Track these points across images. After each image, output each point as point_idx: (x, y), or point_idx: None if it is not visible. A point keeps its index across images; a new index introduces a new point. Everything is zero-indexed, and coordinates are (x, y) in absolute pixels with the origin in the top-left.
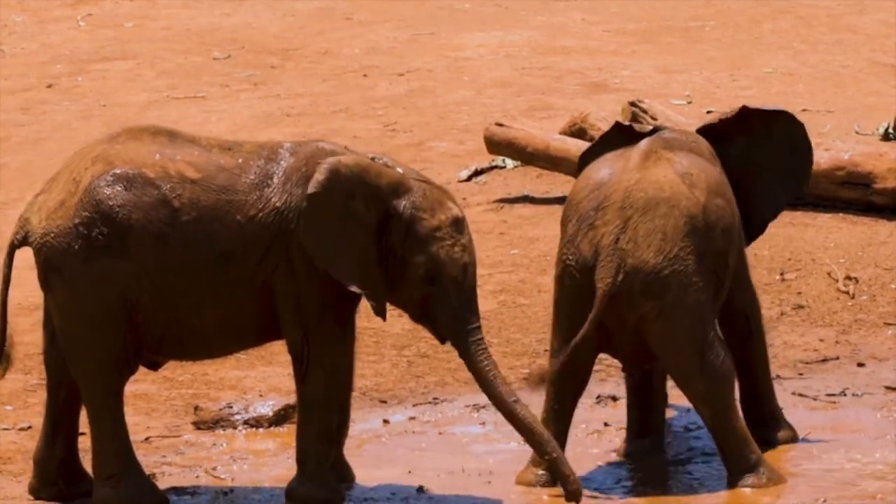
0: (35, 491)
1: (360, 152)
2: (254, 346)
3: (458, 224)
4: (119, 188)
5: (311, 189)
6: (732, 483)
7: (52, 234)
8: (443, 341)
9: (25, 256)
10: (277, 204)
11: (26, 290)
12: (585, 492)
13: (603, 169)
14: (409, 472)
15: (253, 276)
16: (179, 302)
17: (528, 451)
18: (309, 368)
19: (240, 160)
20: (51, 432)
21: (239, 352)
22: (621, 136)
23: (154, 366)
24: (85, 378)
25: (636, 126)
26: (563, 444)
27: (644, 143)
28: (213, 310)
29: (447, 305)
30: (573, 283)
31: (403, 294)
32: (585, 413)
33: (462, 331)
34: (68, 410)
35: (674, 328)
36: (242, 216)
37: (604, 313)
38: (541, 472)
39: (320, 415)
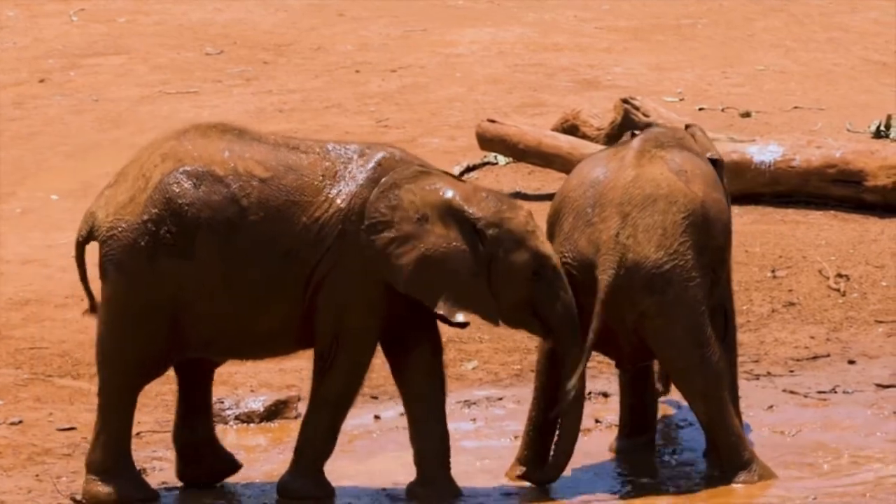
0: (182, 473)
1: (419, 160)
2: (294, 351)
3: (533, 218)
4: (188, 186)
5: (369, 220)
6: (725, 480)
7: (120, 229)
8: (547, 336)
9: (18, 251)
10: (342, 206)
11: (18, 285)
12: (578, 489)
13: (597, 167)
14: (401, 467)
15: (309, 278)
16: (236, 301)
17: (516, 446)
18: (332, 367)
19: (307, 160)
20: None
21: (283, 355)
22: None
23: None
24: (108, 371)
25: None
26: (551, 440)
27: (636, 141)
28: (268, 310)
29: (555, 297)
30: (570, 280)
31: (510, 298)
32: None
33: (573, 321)
34: (201, 390)
35: (673, 324)
36: (308, 217)
37: (604, 309)
38: (526, 469)
39: (332, 413)
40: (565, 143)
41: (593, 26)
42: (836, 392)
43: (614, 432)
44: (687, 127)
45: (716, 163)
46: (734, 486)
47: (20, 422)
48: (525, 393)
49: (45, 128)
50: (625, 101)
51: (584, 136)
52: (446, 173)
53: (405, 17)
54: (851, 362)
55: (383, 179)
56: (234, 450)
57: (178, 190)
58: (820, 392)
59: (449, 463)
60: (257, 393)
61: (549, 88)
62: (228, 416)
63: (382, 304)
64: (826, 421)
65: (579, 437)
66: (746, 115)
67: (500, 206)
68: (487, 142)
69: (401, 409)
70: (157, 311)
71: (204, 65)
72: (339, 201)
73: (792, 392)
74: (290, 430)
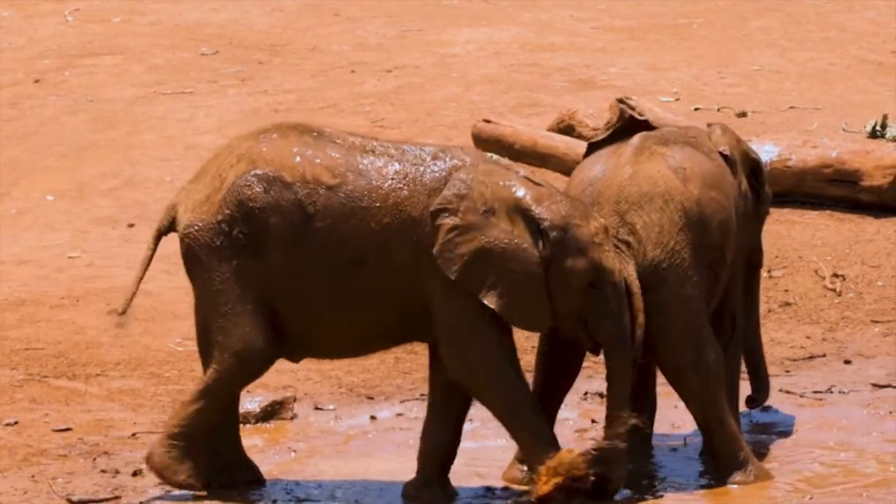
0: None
1: (506, 164)
2: (386, 349)
3: (608, 232)
4: (259, 190)
5: (436, 204)
6: (721, 480)
7: (196, 227)
8: (596, 351)
9: (14, 252)
10: (412, 211)
11: (13, 286)
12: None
13: (596, 166)
14: (397, 467)
15: (384, 283)
16: (310, 306)
17: (514, 447)
18: (452, 367)
19: (379, 164)
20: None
21: (373, 353)
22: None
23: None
24: (216, 364)
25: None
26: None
27: (636, 138)
28: (342, 315)
29: (608, 312)
30: None
31: (562, 306)
32: (572, 409)
33: (623, 340)
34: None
35: (669, 322)
36: (376, 223)
37: None
38: (526, 468)
39: (515, 428)
40: (561, 143)
41: (589, 26)
42: (832, 392)
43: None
44: (709, 125)
45: (727, 159)
46: (730, 486)
47: (16, 422)
48: None
49: (40, 128)
50: (620, 101)
51: (580, 137)
52: (527, 176)
53: (401, 16)
54: (847, 362)
55: (461, 171)
56: None
57: (249, 193)
58: (816, 392)
59: (449, 467)
60: (253, 394)
61: (545, 88)
62: None
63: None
64: (822, 421)
65: (574, 436)
66: (742, 114)
67: (570, 212)
68: (483, 142)
69: (397, 409)
70: (249, 308)
71: (199, 65)
72: (408, 206)
73: (788, 392)
74: (285, 431)
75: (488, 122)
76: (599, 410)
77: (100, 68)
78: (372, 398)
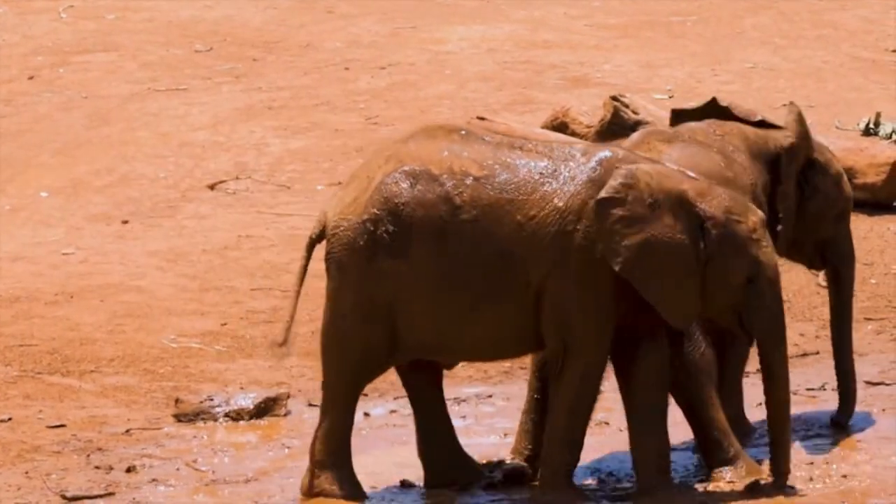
0: (428, 484)
1: (656, 161)
2: (520, 355)
3: (765, 225)
4: (406, 185)
5: (603, 194)
6: (710, 475)
7: (342, 228)
8: (750, 343)
9: (8, 248)
10: (559, 204)
11: (7, 282)
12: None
13: None
14: (391, 465)
15: (527, 279)
16: (452, 303)
17: (507, 443)
18: (563, 374)
19: (526, 158)
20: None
21: (510, 358)
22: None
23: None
24: (331, 367)
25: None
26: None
27: (637, 134)
28: (485, 311)
29: (764, 308)
30: None
31: (720, 301)
32: None
33: (778, 333)
34: (433, 397)
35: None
36: (522, 215)
37: None
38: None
39: (567, 422)
40: (555, 140)
41: (583, 24)
42: (825, 389)
43: (604, 429)
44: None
45: (786, 150)
46: (724, 482)
47: (9, 419)
48: (514, 390)
49: (34, 125)
50: (614, 98)
51: (574, 134)
52: (682, 169)
53: (394, 14)
54: None
55: (622, 163)
56: (224, 447)
57: (395, 189)
58: (809, 389)
59: (668, 470)
60: (247, 390)
61: (539, 86)
62: (218, 413)
63: (610, 305)
64: (816, 418)
65: None
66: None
67: (730, 207)
68: None
69: (391, 406)
70: (376, 310)
71: (193, 62)
72: (556, 200)
73: None
74: (279, 428)
75: (482, 119)
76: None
77: (94, 65)
78: (366, 395)
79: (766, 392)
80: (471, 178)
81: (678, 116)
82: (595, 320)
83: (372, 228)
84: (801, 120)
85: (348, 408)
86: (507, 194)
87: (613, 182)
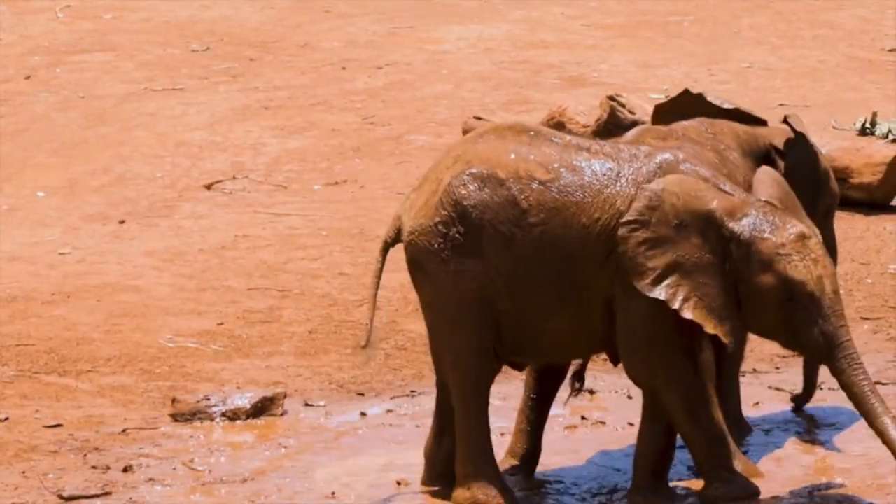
0: (427, 484)
1: (706, 166)
2: (594, 354)
3: (805, 238)
4: (473, 188)
5: (628, 216)
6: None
7: (417, 233)
8: (820, 362)
9: (5, 248)
10: (622, 207)
11: (4, 282)
12: (563, 487)
13: None
14: (389, 464)
15: (595, 281)
16: (529, 305)
17: (505, 442)
18: (656, 389)
19: (592, 160)
20: (437, 430)
21: (588, 356)
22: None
23: (518, 367)
24: (451, 373)
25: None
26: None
27: (632, 132)
28: (560, 314)
29: (812, 324)
30: None
31: (763, 321)
32: (563, 407)
33: (833, 347)
34: (452, 408)
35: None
36: (587, 218)
37: None
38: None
39: (693, 426)
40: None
41: (580, 23)
42: (821, 389)
43: (601, 429)
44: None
45: (779, 152)
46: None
47: (6, 419)
48: (510, 390)
49: (31, 125)
50: (611, 98)
51: (570, 133)
52: (716, 183)
53: (392, 13)
54: None
55: (638, 196)
56: (221, 447)
57: (463, 192)
58: None
59: (663, 473)
60: (244, 390)
61: (536, 85)
62: (215, 412)
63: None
64: (812, 418)
65: (566, 434)
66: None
67: (758, 224)
68: None
69: (387, 405)
70: (471, 308)
71: (190, 62)
72: (618, 202)
73: (778, 389)
74: (276, 427)
75: (479, 118)
76: (589, 407)
77: (91, 65)
78: (362, 394)
79: (864, 416)
80: (537, 181)
81: (658, 112)
82: (661, 324)
83: (444, 231)
84: (801, 123)
85: (480, 412)
86: (571, 197)
87: (637, 204)
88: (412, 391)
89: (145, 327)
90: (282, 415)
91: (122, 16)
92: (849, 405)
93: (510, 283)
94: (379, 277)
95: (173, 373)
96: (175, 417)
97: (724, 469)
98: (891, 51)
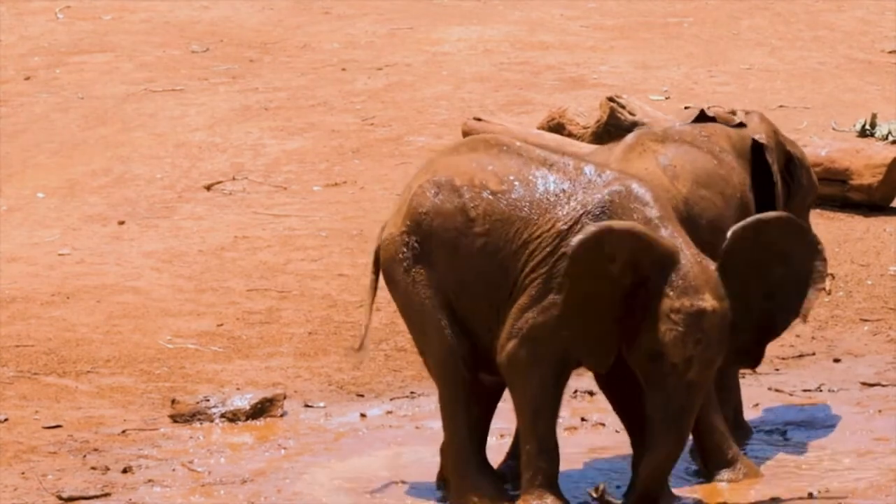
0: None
1: (657, 198)
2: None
3: (701, 316)
4: (430, 195)
5: (570, 246)
6: (708, 478)
7: (386, 241)
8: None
9: (4, 249)
10: (562, 228)
11: (3, 283)
12: (563, 488)
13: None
14: (388, 465)
15: (515, 293)
16: (473, 317)
17: (505, 445)
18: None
19: (548, 177)
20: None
21: None
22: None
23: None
24: (433, 375)
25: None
26: None
27: (630, 136)
28: (496, 326)
29: (661, 389)
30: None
31: (633, 356)
32: (562, 408)
33: (666, 421)
34: (479, 408)
35: None
36: (529, 234)
37: None
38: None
39: (531, 425)
40: (551, 141)
41: (579, 25)
42: (821, 390)
43: (600, 431)
44: (746, 113)
45: (762, 147)
46: (720, 484)
47: (5, 420)
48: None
49: (30, 125)
50: (611, 99)
51: (570, 135)
52: (657, 231)
53: (391, 14)
54: (837, 360)
55: (583, 229)
56: (220, 448)
57: (421, 199)
58: (805, 390)
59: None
60: (243, 391)
61: (536, 87)
62: (214, 413)
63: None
64: (811, 419)
65: (565, 435)
66: (732, 113)
67: (674, 280)
68: None
69: (387, 406)
70: (433, 318)
71: (190, 62)
72: (560, 224)
73: (777, 390)
74: (276, 429)
75: (479, 120)
76: (589, 409)
77: (90, 66)
78: (362, 396)
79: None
80: (488, 191)
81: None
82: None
83: (406, 240)
84: (765, 119)
85: (464, 413)
86: (517, 211)
87: (570, 237)
88: (412, 392)
89: (145, 328)
90: (281, 416)
91: (121, 16)
92: (849, 405)
93: (457, 293)
94: (375, 288)
95: (173, 374)
96: (174, 418)
97: (540, 486)
98: (890, 52)
